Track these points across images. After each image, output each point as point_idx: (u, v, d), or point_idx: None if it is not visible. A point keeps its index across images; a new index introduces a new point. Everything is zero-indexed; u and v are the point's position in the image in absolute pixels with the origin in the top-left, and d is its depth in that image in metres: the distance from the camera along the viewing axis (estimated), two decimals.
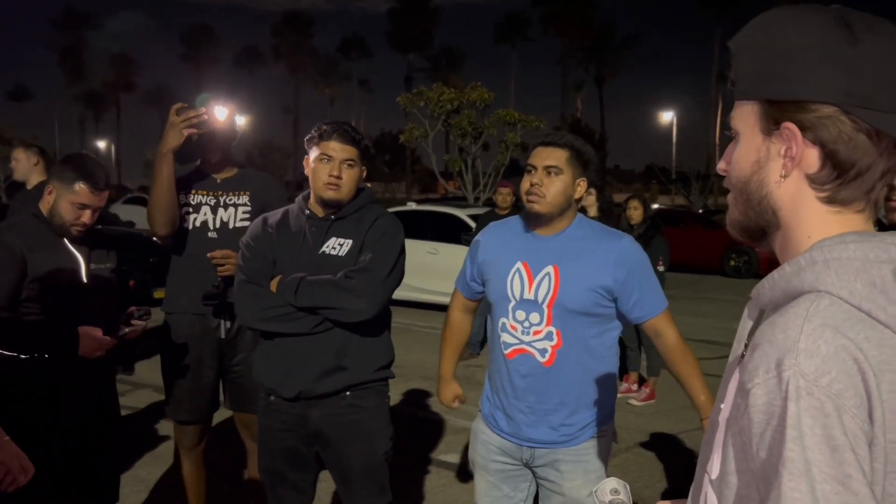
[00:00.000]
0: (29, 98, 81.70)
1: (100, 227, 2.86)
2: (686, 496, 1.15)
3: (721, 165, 0.97)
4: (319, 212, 2.54)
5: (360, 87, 76.91)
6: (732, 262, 15.25)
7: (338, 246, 2.49)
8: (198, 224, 3.12)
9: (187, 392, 3.18)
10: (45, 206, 2.72)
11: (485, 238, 2.51)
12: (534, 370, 2.33)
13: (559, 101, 69.06)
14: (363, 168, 2.56)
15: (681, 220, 16.88)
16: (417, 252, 9.00)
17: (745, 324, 0.98)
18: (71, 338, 2.59)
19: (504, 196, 7.52)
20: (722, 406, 0.93)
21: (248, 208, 3.14)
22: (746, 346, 0.93)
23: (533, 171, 2.32)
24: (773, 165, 0.89)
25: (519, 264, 2.35)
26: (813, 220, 0.87)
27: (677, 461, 4.79)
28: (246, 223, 3.02)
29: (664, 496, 3.99)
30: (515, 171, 17.23)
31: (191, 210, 3.12)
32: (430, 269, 9.39)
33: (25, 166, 4.94)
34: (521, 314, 2.34)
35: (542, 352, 2.32)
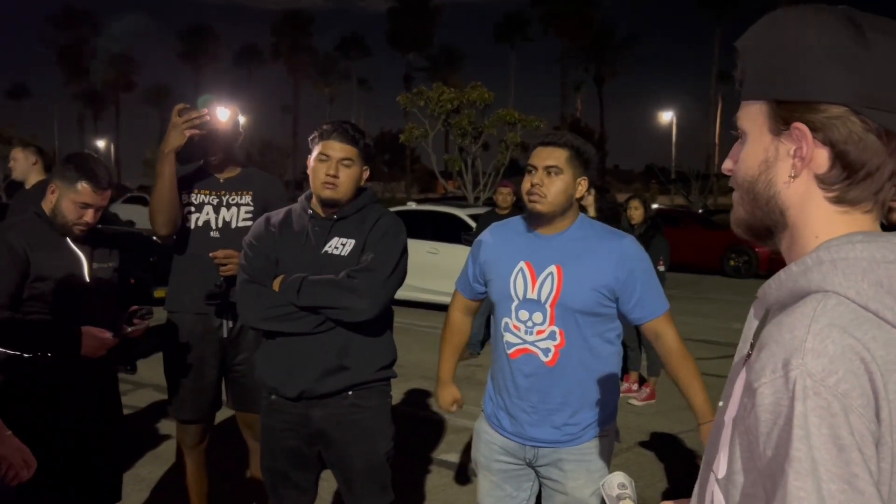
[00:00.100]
0: (28, 96, 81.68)
1: (100, 226, 2.86)
2: (686, 495, 1.16)
3: (727, 165, 0.97)
4: (322, 211, 2.54)
5: (359, 86, 76.95)
6: (732, 262, 15.26)
7: (340, 246, 2.49)
8: (200, 224, 3.12)
9: (189, 391, 3.18)
10: (47, 205, 2.72)
11: (487, 238, 2.51)
12: (537, 370, 2.34)
13: (559, 101, 69.16)
14: (365, 168, 2.55)
15: (680, 220, 16.87)
16: (418, 252, 8.99)
17: (751, 323, 0.98)
18: (73, 337, 2.60)
19: (504, 196, 7.52)
20: (723, 404, 0.93)
21: (251, 208, 3.14)
22: (752, 345, 0.93)
23: (533, 172, 2.33)
24: (781, 166, 0.89)
25: (522, 264, 2.35)
26: (820, 220, 0.87)
27: (677, 461, 4.80)
28: (248, 223, 3.02)
29: (665, 496, 3.99)
30: (515, 170, 17.24)
31: (193, 209, 3.13)
32: (431, 268, 9.39)
33: (24, 165, 4.95)
34: (524, 314, 2.34)
35: (546, 351, 2.33)
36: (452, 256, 9.39)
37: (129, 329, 2.76)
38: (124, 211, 20.76)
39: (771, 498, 0.77)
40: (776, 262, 13.95)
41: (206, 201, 3.14)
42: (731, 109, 0.94)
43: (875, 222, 0.88)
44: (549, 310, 2.30)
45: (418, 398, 6.15)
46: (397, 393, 5.85)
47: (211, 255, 3.00)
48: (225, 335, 3.12)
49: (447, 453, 4.86)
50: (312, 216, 2.53)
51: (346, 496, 2.62)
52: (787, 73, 0.86)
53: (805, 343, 0.77)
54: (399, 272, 2.50)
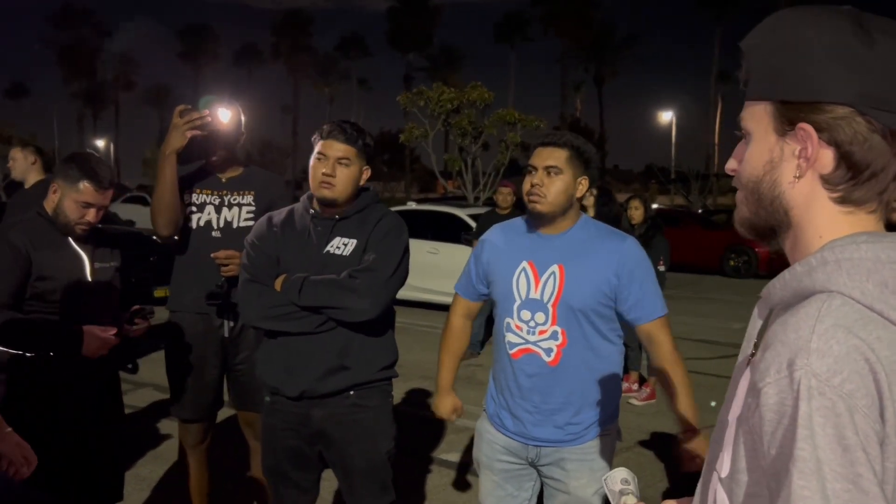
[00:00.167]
0: (26, 95, 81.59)
1: (101, 225, 2.87)
2: (686, 495, 1.16)
3: (731, 164, 0.97)
4: (323, 211, 2.54)
5: (359, 86, 76.88)
6: (732, 262, 15.26)
7: (342, 245, 2.49)
8: (202, 223, 3.12)
9: (191, 390, 3.18)
10: (49, 204, 2.72)
11: (490, 238, 2.51)
12: (539, 370, 2.34)
13: (558, 101, 69.18)
14: (365, 167, 2.54)
15: (680, 220, 16.88)
16: (418, 252, 8.96)
17: (755, 323, 0.98)
18: (75, 336, 2.60)
19: (505, 196, 7.52)
20: (721, 405, 0.93)
21: (253, 208, 3.14)
22: (756, 345, 0.93)
23: (533, 172, 2.33)
24: (786, 166, 0.89)
25: (525, 263, 2.36)
26: (825, 221, 0.88)
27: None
28: (250, 223, 3.02)
29: (665, 496, 3.99)
30: (515, 170, 17.25)
31: (195, 209, 3.12)
32: (431, 268, 9.40)
33: (23, 165, 4.96)
34: (526, 314, 2.35)
35: (548, 351, 2.33)
36: (452, 256, 9.40)
37: (132, 328, 2.76)
38: (124, 210, 20.77)
39: (775, 497, 0.77)
40: (775, 263, 14.04)
41: (207, 201, 3.13)
42: (731, 109, 0.95)
43: (879, 222, 0.88)
44: (551, 309, 2.31)
45: (418, 398, 6.15)
46: (397, 392, 5.85)
47: (212, 255, 3.00)
48: (226, 335, 3.12)
49: (448, 453, 4.86)
50: (314, 216, 2.53)
51: (347, 496, 2.62)
52: (793, 74, 0.86)
53: (810, 343, 0.77)
54: (401, 272, 2.50)
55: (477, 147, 19.30)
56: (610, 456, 2.41)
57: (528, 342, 2.35)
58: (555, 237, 2.36)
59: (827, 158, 0.86)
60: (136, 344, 3.07)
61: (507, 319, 2.38)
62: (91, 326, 2.62)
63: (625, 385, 6.13)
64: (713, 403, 5.97)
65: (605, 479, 1.41)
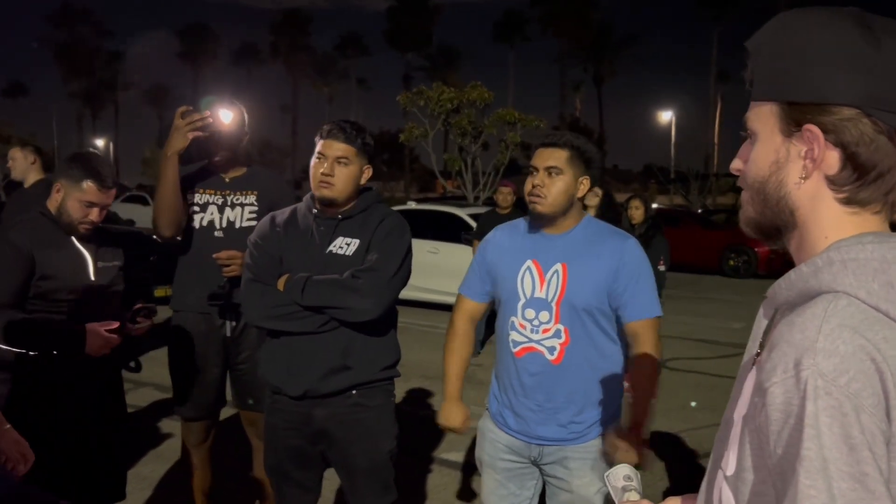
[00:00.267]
0: (25, 95, 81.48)
1: (104, 225, 2.87)
2: (686, 494, 1.16)
3: (736, 164, 0.97)
4: (325, 211, 2.54)
5: (358, 85, 76.90)
6: (731, 262, 15.28)
7: (345, 245, 2.49)
8: (204, 223, 3.12)
9: (193, 389, 3.19)
10: (52, 204, 2.73)
11: (494, 238, 2.52)
12: (543, 368, 2.35)
13: (558, 101, 69.20)
14: (366, 166, 2.53)
15: (680, 219, 16.88)
16: (418, 251, 8.95)
17: (760, 323, 0.98)
18: (78, 335, 2.60)
19: (505, 195, 7.52)
20: (729, 405, 0.94)
21: (255, 208, 3.14)
22: (762, 344, 0.94)
23: (535, 173, 2.34)
24: (792, 167, 0.89)
25: (529, 262, 2.37)
26: (830, 221, 0.88)
27: (678, 460, 4.80)
28: (252, 223, 3.02)
29: (665, 495, 3.99)
30: (515, 170, 17.27)
31: (198, 209, 3.13)
32: (431, 268, 9.42)
33: (22, 165, 4.96)
34: (530, 312, 2.35)
35: (551, 350, 2.34)
36: (453, 256, 9.41)
37: (134, 327, 2.76)
38: (123, 210, 20.78)
39: (782, 496, 0.78)
40: (775, 262, 14.07)
41: (210, 201, 3.14)
42: (731, 109, 0.95)
43: (884, 223, 0.89)
44: (554, 308, 2.32)
45: (419, 397, 6.15)
46: (398, 392, 5.85)
47: (214, 256, 3.00)
48: (228, 334, 3.12)
49: (449, 452, 4.86)
50: (317, 216, 2.53)
51: (349, 495, 2.62)
52: (799, 75, 0.86)
53: (816, 343, 0.78)
54: (403, 272, 2.50)
55: (477, 147, 19.30)
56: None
57: (531, 340, 2.36)
58: (558, 237, 2.37)
59: (833, 159, 0.86)
60: (139, 343, 3.07)
61: (511, 318, 2.38)
62: (93, 324, 2.63)
63: (625, 385, 6.12)
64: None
65: (607, 476, 1.41)
